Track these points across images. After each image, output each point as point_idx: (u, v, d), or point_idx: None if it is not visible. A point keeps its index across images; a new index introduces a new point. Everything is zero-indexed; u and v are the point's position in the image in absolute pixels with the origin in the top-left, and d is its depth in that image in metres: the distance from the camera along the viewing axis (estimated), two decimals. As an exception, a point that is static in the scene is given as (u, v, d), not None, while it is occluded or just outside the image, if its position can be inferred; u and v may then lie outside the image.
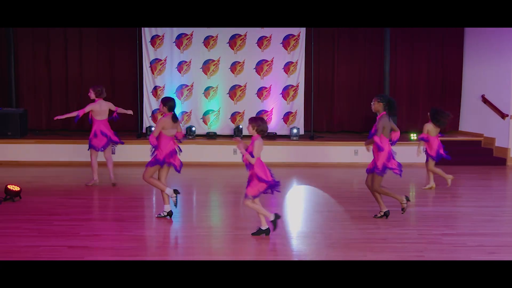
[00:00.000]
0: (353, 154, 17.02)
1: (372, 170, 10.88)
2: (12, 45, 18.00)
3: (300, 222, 10.93)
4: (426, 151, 13.64)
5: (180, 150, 10.97)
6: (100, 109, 13.39)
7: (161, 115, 11.03)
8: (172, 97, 11.64)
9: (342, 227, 10.29)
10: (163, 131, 10.60)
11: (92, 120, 13.34)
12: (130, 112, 13.83)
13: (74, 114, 13.31)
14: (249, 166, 9.44)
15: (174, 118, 10.71)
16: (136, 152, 16.76)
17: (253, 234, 9.62)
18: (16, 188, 12.05)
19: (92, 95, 13.43)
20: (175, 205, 10.94)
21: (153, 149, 10.77)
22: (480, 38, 18.50)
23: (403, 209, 11.09)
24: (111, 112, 13.61)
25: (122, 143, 13.91)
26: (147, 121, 18.04)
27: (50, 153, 16.77)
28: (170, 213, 10.77)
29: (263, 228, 9.59)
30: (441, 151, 13.40)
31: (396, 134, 10.99)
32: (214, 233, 10.20)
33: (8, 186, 12.00)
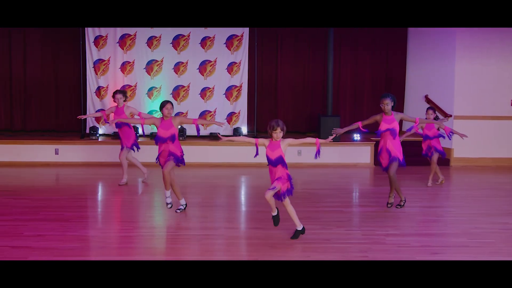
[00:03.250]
0: (296, 154, 17.10)
1: (393, 159, 11.37)
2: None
3: (242, 222, 11.07)
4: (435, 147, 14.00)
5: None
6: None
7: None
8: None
9: (284, 227, 10.22)
10: None
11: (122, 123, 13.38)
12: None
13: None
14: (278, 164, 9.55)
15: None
16: (79, 152, 16.80)
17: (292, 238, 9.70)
18: (-41, 189, 12.06)
19: (121, 101, 13.57)
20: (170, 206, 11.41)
21: None
22: (423, 38, 18.70)
23: (396, 205, 11.77)
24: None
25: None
26: (90, 122, 18.04)
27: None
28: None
29: (300, 228, 9.75)
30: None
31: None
32: (156, 234, 10.33)
33: (-49, 187, 12.01)
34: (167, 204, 11.35)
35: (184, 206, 11.37)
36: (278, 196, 9.55)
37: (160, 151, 11.08)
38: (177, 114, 17.91)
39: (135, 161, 13.95)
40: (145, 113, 13.92)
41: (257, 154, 9.70)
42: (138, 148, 13.82)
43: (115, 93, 13.56)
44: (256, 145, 9.61)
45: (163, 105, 10.98)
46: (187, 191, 13.31)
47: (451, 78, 17.62)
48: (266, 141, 9.56)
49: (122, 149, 13.68)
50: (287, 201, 9.56)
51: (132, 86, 18.04)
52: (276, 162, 9.44)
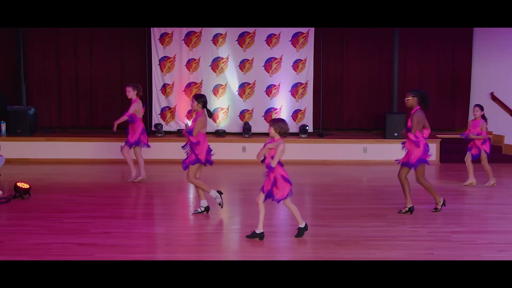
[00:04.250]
0: (362, 151, 16.99)
1: (406, 163, 11.05)
2: (21, 43, 18.01)
3: (309, 219, 10.91)
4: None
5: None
6: (140, 108, 13.72)
7: (194, 112, 11.13)
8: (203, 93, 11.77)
9: (350, 224, 10.27)
10: (201, 130, 10.70)
11: (135, 118, 13.38)
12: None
13: (125, 118, 13.42)
14: (270, 167, 9.40)
15: (209, 114, 10.98)
16: (143, 150, 16.80)
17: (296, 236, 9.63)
18: (26, 186, 12.13)
19: (131, 93, 13.64)
20: (221, 206, 11.09)
21: (188, 148, 10.86)
22: (489, 36, 18.35)
23: (435, 209, 11.28)
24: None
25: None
26: (156, 119, 18.05)
27: (59, 150, 16.83)
28: (207, 209, 11.00)
29: (302, 225, 9.64)
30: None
31: (427, 131, 11.12)
32: (224, 231, 10.26)
33: (18, 184, 12.07)
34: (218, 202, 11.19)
35: (203, 209, 11.11)
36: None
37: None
38: (242, 111, 17.85)
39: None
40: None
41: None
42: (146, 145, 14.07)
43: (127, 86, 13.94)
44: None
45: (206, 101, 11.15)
46: (251, 188, 13.21)
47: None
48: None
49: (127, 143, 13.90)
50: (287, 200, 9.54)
51: (197, 84, 18.00)
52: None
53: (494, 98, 18.09)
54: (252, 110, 17.97)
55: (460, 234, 9.86)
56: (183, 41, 17.95)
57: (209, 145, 11.00)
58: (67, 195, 12.51)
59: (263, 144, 9.44)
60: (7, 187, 12.70)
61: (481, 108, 13.62)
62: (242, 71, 18.04)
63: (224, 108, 17.95)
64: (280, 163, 9.34)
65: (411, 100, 11.02)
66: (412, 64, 19.14)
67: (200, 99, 10.89)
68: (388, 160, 16.37)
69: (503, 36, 17.70)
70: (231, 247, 9.50)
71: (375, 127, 18.71)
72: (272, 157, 9.22)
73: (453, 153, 16.29)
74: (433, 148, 16.82)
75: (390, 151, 16.53)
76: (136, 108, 13.57)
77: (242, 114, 17.97)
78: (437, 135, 17.29)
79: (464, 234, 9.92)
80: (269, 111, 18.00)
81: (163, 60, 17.98)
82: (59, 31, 18.44)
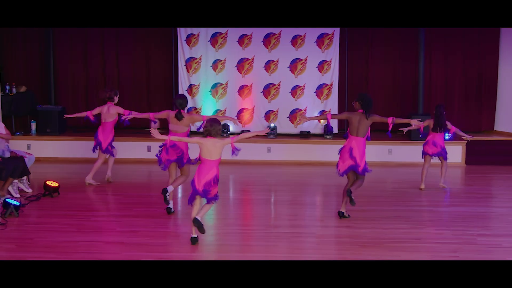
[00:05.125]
0: (387, 153, 17.05)
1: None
2: (51, 44, 18.29)
3: (333, 220, 11.01)
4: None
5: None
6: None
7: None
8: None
9: (374, 226, 10.30)
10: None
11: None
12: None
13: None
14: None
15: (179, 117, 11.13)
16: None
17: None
18: (55, 184, 12.36)
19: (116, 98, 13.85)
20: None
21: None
22: None
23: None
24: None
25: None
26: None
27: (87, 150, 16.95)
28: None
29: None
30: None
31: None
32: (247, 231, 10.40)
33: (47, 182, 12.31)
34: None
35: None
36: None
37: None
38: (267, 112, 17.96)
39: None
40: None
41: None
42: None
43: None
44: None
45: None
46: (277, 188, 13.35)
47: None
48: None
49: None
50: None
51: (223, 84, 18.13)
52: None
53: None
54: (277, 111, 18.03)
55: (486, 237, 9.80)
56: (209, 42, 18.08)
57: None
58: (95, 194, 12.72)
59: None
60: (37, 185, 12.92)
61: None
62: (267, 72, 18.13)
63: (249, 108, 18.07)
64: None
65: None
66: (438, 64, 18.97)
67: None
68: (413, 162, 16.40)
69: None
70: (256, 247, 9.61)
71: (399, 128, 18.69)
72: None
73: (479, 155, 16.23)
74: (459, 150, 16.83)
75: (415, 152, 16.51)
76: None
77: (267, 114, 18.05)
78: (462, 137, 17.12)
79: (490, 237, 9.86)
80: (294, 112, 18.07)
81: (189, 61, 18.12)
82: (87, 32, 18.65)
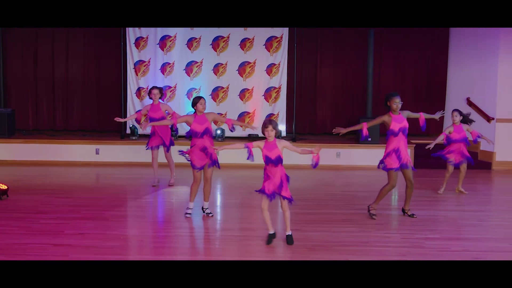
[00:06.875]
0: (335, 156, 17.15)
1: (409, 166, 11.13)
2: (0, 44, 18.27)
3: (281, 224, 11.06)
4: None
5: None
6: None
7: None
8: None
9: (323, 229, 10.27)
10: None
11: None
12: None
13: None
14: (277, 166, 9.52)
15: None
16: (119, 152, 17.06)
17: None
18: (4, 187, 12.32)
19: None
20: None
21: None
22: (465, 39, 18.42)
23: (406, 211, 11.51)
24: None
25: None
26: (130, 122, 18.23)
27: (36, 152, 17.01)
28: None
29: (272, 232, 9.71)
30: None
31: None
32: (196, 234, 10.49)
33: (-4, 185, 12.31)
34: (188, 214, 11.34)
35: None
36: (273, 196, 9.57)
37: (192, 146, 10.95)
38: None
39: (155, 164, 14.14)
40: (178, 114, 13.90)
41: (249, 157, 9.58)
42: (172, 144, 14.02)
43: (151, 89, 13.79)
44: (249, 149, 9.49)
45: (196, 100, 10.92)
46: (225, 192, 13.49)
47: (493, 80, 17.32)
48: (261, 143, 9.43)
49: (166, 147, 13.86)
50: (286, 205, 9.60)
51: (172, 87, 18.21)
52: (277, 160, 9.37)
53: (470, 103, 18.11)
54: (226, 114, 18.08)
55: (434, 241, 9.81)
56: (158, 45, 18.16)
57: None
58: (44, 197, 12.67)
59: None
60: (-15, 188, 12.88)
61: (460, 113, 13.40)
62: (216, 75, 18.25)
63: (170, 112, 18.08)
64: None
65: (401, 103, 11.44)
66: (387, 67, 19.30)
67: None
68: (361, 165, 16.64)
69: (478, 38, 17.82)
70: (201, 248, 9.72)
71: (349, 132, 18.73)
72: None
73: (427, 159, 16.27)
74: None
75: (363, 156, 16.84)
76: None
77: (215, 118, 18.15)
78: (411, 141, 17.23)
79: (438, 240, 9.87)
80: (242, 115, 18.22)
81: (138, 64, 18.17)
82: (37, 32, 18.63)
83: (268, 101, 18.36)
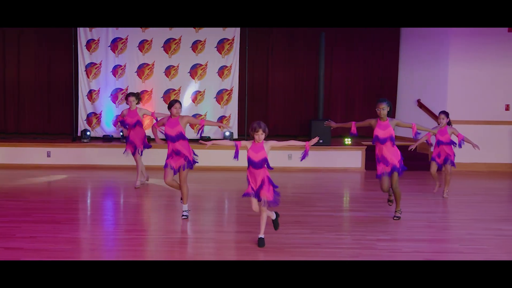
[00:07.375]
0: (287, 158, 17.17)
1: (394, 170, 11.20)
2: None
3: (233, 225, 11.15)
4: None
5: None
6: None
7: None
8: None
9: (274, 231, 10.17)
10: None
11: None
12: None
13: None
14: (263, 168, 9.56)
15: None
16: (70, 155, 16.95)
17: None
18: (-48, 191, 12.23)
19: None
20: None
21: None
22: (416, 41, 18.59)
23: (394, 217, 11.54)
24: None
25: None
26: (82, 125, 18.14)
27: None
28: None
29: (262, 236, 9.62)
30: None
31: None
32: (146, 236, 10.48)
33: None
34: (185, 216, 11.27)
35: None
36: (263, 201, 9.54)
37: (170, 152, 11.03)
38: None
39: (141, 164, 14.12)
40: (159, 113, 13.86)
41: (236, 157, 9.65)
42: (147, 147, 14.16)
43: (128, 95, 13.86)
44: (237, 148, 9.56)
45: (171, 104, 11.05)
46: (177, 194, 13.46)
47: (444, 82, 17.53)
48: (248, 143, 9.49)
49: (138, 150, 13.93)
50: (265, 208, 9.55)
51: (123, 90, 18.11)
52: (260, 164, 9.41)
53: (420, 105, 18.29)
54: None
55: (385, 242, 9.83)
56: (109, 47, 18.08)
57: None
58: (-6, 200, 12.61)
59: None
60: None
61: (447, 115, 13.36)
62: (168, 77, 18.23)
63: (148, 114, 18.06)
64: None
65: (387, 109, 11.68)
66: (340, 69, 19.42)
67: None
68: (312, 167, 16.70)
69: (429, 39, 18.00)
70: (152, 250, 9.72)
71: (301, 134, 18.87)
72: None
73: (410, 161, 16.28)
74: (358, 156, 17.22)
75: (315, 158, 16.84)
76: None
77: (167, 120, 18.10)
78: (362, 142, 17.45)
79: (390, 242, 9.90)
80: (194, 117, 18.17)
81: (89, 66, 18.08)
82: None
83: (220, 104, 18.38)
